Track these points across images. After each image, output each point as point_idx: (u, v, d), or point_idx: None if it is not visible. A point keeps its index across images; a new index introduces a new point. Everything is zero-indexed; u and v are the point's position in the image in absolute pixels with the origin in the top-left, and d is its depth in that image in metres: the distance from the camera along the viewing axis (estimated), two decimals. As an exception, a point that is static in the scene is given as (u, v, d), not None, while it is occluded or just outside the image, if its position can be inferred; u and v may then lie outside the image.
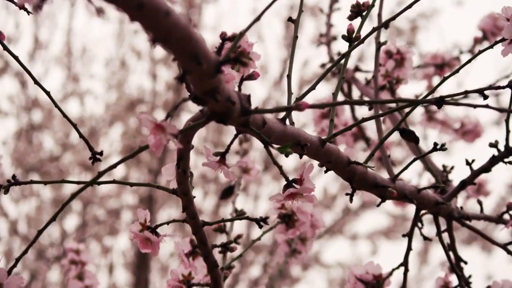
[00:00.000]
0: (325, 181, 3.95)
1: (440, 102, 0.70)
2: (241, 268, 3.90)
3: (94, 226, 3.62)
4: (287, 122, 0.79)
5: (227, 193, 1.16)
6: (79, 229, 3.56)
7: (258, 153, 3.82)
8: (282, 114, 0.79)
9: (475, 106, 0.74)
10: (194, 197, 0.84)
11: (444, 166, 1.06)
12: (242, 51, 0.73)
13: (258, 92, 4.21)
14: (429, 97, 0.81)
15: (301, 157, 0.81)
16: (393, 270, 0.98)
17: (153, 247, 0.89)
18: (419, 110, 1.35)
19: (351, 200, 0.91)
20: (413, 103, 0.78)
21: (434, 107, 1.36)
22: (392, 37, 3.68)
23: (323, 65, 1.30)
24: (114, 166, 0.74)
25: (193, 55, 0.60)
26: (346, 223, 4.05)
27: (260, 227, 0.90)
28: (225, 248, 0.92)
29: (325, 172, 0.91)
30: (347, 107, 1.37)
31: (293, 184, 0.76)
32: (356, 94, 1.27)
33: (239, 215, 1.06)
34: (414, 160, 0.91)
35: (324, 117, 1.21)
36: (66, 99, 3.86)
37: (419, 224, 0.99)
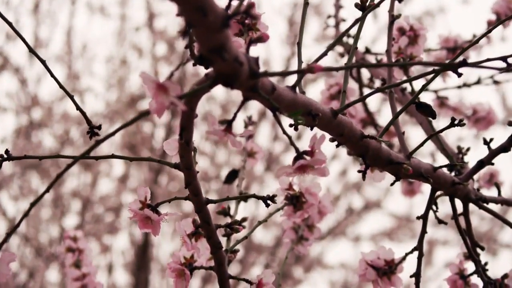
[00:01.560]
0: (328, 182, 3.90)
1: (463, 64, 0.65)
2: (243, 269, 3.85)
3: (94, 224, 3.57)
4: (297, 90, 0.74)
5: (231, 177, 1.11)
6: (78, 228, 3.51)
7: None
8: (287, 85, 0.75)
9: (499, 70, 0.70)
10: (198, 172, 0.79)
11: (459, 148, 1.01)
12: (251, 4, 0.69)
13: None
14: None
15: (311, 128, 0.76)
16: (407, 254, 0.93)
17: (153, 226, 0.84)
18: (430, 96, 1.30)
19: (363, 177, 0.86)
20: (435, 66, 0.73)
21: (445, 94, 1.31)
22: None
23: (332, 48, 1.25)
24: (113, 134, 0.69)
25: (199, 5, 0.55)
26: (349, 224, 4.00)
27: (267, 205, 0.86)
28: (230, 228, 0.87)
29: (337, 146, 0.86)
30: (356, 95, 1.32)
31: (304, 156, 0.71)
32: (365, 76, 1.23)
33: (244, 196, 1.00)
34: (431, 136, 0.86)
35: (333, 98, 1.17)
36: (66, 96, 3.80)
37: (434, 208, 0.94)
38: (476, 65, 0.66)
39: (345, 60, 1.17)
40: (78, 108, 0.85)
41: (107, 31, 4.89)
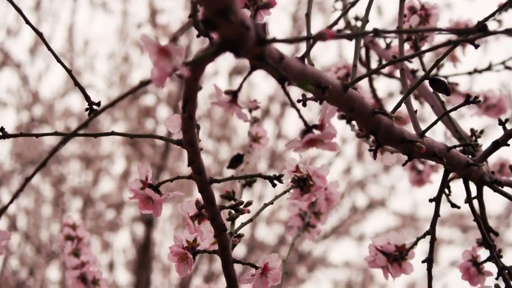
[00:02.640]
0: (331, 179, 3.85)
1: (483, 29, 0.61)
2: (244, 269, 3.81)
3: (95, 221, 3.53)
4: (306, 62, 0.70)
5: (235, 161, 1.07)
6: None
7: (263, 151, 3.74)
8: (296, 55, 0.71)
9: (521, 37, 0.66)
10: (201, 149, 0.76)
11: (472, 130, 0.98)
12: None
13: (265, 89, 4.12)
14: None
15: (320, 102, 0.73)
16: (418, 239, 0.89)
17: (154, 207, 0.80)
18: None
19: (374, 156, 0.83)
20: (453, 33, 0.70)
21: (455, 80, 1.28)
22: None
23: (338, 31, 1.22)
24: (111, 104, 0.66)
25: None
26: (352, 223, 3.96)
27: (274, 185, 0.82)
28: (235, 210, 0.83)
29: (347, 122, 0.83)
30: (364, 81, 1.29)
31: (313, 130, 0.68)
32: (374, 59, 1.19)
33: (250, 175, 0.96)
34: (445, 113, 0.83)
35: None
36: (68, 93, 3.78)
37: (446, 191, 0.90)
38: (497, 32, 0.63)
39: (353, 44, 1.14)
40: (76, 83, 0.81)
41: (109, 28, 4.86)
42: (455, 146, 0.83)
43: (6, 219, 3.50)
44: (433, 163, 1.35)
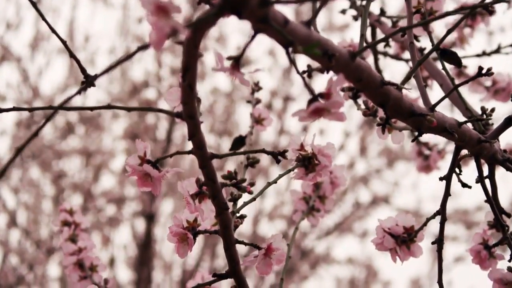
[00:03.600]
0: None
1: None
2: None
3: (95, 216, 3.50)
4: (312, 29, 0.67)
5: (238, 143, 1.04)
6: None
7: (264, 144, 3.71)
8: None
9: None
10: (202, 122, 0.72)
11: (483, 108, 0.94)
12: None
13: (266, 83, 4.09)
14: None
15: (327, 71, 0.69)
16: (428, 219, 0.86)
17: (153, 183, 0.77)
18: (448, 66, 1.23)
19: (383, 131, 0.79)
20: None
21: (463, 62, 1.24)
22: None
23: (343, 11, 1.19)
24: (107, 70, 0.62)
25: None
26: (356, 219, 3.92)
27: (278, 162, 0.79)
28: (237, 187, 0.80)
29: (354, 94, 0.80)
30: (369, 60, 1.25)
31: (319, 98, 0.64)
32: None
33: (253, 151, 0.93)
34: (455, 87, 0.79)
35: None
36: (68, 88, 3.74)
37: (457, 170, 0.87)
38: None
39: (358, 23, 1.10)
40: (71, 54, 0.78)
41: (109, 23, 4.83)
42: (466, 121, 0.79)
43: (6, 215, 3.47)
44: (440, 148, 1.32)
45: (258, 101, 1.09)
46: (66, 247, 1.08)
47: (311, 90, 0.65)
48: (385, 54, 1.19)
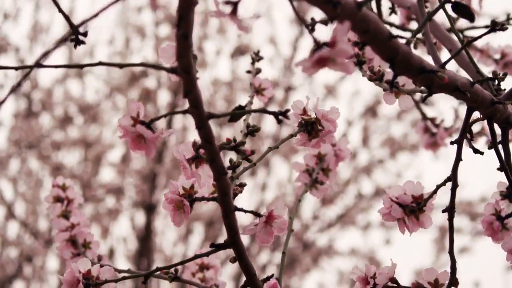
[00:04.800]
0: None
1: None
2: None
3: (94, 206, 3.46)
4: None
5: (237, 114, 0.99)
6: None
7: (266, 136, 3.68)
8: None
9: None
10: (198, 78, 0.68)
11: (494, 73, 0.90)
12: None
13: (267, 73, 4.04)
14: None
15: (332, 21, 0.65)
16: (438, 187, 0.81)
17: (147, 146, 0.72)
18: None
19: (391, 88, 0.75)
20: None
21: (471, 34, 1.19)
22: None
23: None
24: (97, 14, 0.58)
25: None
26: (358, 211, 3.87)
27: (279, 122, 0.74)
28: (236, 150, 0.75)
29: (360, 48, 0.75)
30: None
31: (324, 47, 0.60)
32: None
33: (252, 110, 0.88)
34: (467, 43, 0.74)
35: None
36: (67, 79, 3.70)
37: (468, 136, 0.82)
38: None
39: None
40: (59, 10, 0.74)
41: (108, 13, 4.79)
42: (479, 81, 0.75)
43: (3, 207, 3.43)
44: (447, 125, 1.28)
45: (258, 71, 1.04)
46: (58, 224, 1.03)
47: (314, 39, 0.60)
48: (391, 24, 1.15)
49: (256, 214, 0.76)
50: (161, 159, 3.44)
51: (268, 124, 3.78)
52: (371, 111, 3.67)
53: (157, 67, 0.70)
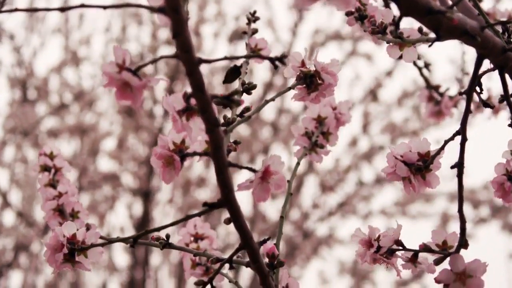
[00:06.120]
0: (336, 153, 3.72)
1: None
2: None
3: (90, 193, 3.41)
4: None
5: (232, 75, 0.94)
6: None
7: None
8: None
9: None
10: (188, 18, 0.63)
11: (509, 16, 0.85)
12: None
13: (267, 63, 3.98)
14: None
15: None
16: (446, 142, 0.76)
17: (133, 95, 0.67)
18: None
19: (396, 30, 0.70)
20: None
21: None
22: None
23: None
24: None
25: None
26: (359, 199, 3.82)
27: (276, 67, 0.69)
28: (229, 100, 0.70)
29: (361, 16, 0.70)
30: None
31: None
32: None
33: (247, 56, 0.83)
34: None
35: None
36: (63, 67, 3.65)
37: (478, 89, 0.77)
38: None
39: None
40: None
41: (104, 0, 4.73)
42: (490, 24, 0.70)
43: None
44: (452, 93, 1.23)
45: (254, 31, 0.99)
46: (45, 193, 0.98)
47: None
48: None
49: (251, 170, 0.71)
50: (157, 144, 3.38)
51: (267, 112, 3.74)
52: (372, 94, 3.61)
53: (143, 6, 0.64)
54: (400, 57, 0.81)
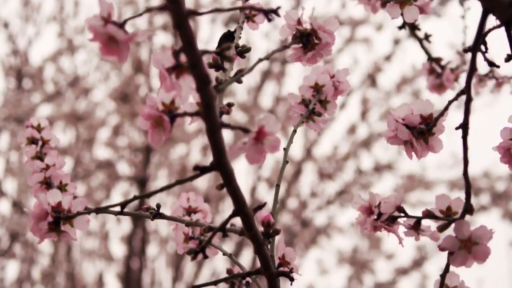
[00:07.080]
0: (335, 140, 3.69)
1: None
2: (244, 239, 3.65)
3: (85, 182, 3.37)
4: None
5: (226, 40, 0.90)
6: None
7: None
8: None
9: None
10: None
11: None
12: None
13: (263, 47, 3.96)
14: None
15: None
16: (450, 102, 0.72)
17: (119, 49, 0.63)
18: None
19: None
20: None
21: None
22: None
23: None
24: None
25: None
26: (358, 188, 3.78)
27: (269, 20, 0.65)
28: (221, 55, 0.66)
29: None
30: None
31: None
32: None
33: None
34: None
35: None
36: (59, 55, 3.61)
37: (483, 48, 0.74)
38: None
39: None
40: None
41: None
42: (497, -25, 0.66)
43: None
44: (453, 65, 1.19)
45: (249, -4, 0.95)
46: (32, 165, 0.94)
47: None
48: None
49: (245, 130, 0.67)
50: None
51: (264, 100, 3.70)
52: (371, 79, 3.56)
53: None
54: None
